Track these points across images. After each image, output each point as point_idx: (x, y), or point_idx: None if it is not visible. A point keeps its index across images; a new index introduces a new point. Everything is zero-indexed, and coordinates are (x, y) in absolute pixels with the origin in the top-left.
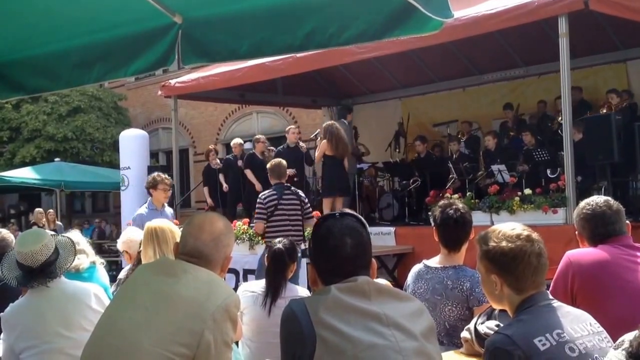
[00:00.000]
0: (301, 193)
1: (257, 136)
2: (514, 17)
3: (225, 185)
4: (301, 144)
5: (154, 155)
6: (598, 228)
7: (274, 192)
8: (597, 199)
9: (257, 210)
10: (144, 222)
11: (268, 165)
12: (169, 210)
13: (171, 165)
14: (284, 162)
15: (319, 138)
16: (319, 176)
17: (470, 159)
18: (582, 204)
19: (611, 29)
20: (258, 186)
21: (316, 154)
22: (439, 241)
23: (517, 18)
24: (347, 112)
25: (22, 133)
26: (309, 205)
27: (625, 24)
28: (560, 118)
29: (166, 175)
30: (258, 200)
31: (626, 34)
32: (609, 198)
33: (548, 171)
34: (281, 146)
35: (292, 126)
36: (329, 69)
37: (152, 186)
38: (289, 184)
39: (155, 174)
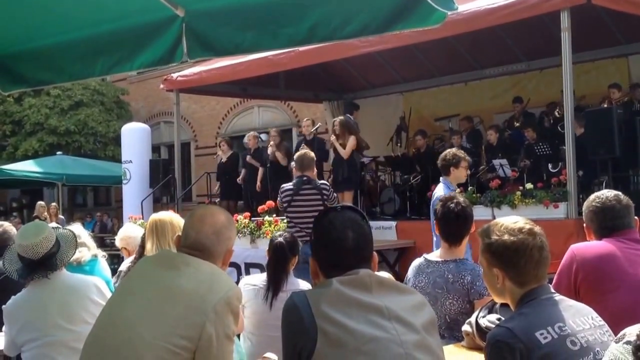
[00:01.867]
0: (325, 185)
1: (269, 130)
2: (516, 11)
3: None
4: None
5: (155, 149)
6: (606, 221)
7: (291, 187)
8: (607, 193)
9: (278, 199)
10: None
11: (295, 156)
12: None
13: (173, 159)
14: (310, 153)
15: (333, 134)
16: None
17: (471, 153)
18: (592, 196)
19: (613, 24)
20: (258, 185)
21: (346, 149)
22: (440, 235)
23: (519, 12)
24: (354, 109)
25: (24, 127)
26: (334, 196)
27: (627, 18)
28: (557, 111)
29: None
30: (280, 189)
31: (628, 28)
32: (619, 193)
33: (549, 165)
34: (300, 139)
35: (306, 118)
36: (331, 63)
37: (453, 163)
38: (308, 177)
39: (454, 149)
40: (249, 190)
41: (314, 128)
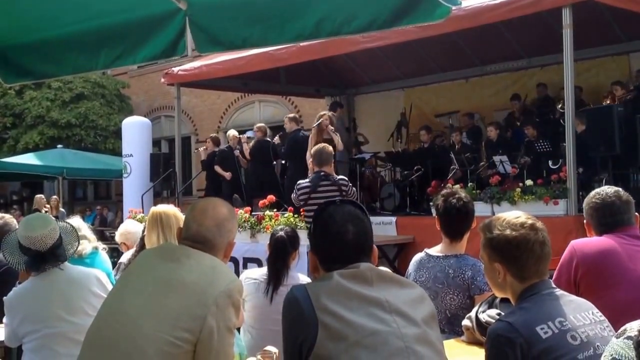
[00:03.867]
0: (343, 180)
1: (259, 125)
2: (518, 7)
3: (228, 174)
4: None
5: (156, 143)
6: (605, 218)
7: (308, 183)
8: (607, 189)
9: (292, 196)
10: None
11: (312, 151)
12: None
13: (173, 153)
14: (328, 147)
15: (331, 126)
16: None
17: (472, 149)
18: (593, 193)
19: (615, 21)
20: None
21: (338, 144)
22: (441, 230)
23: (521, 9)
24: (338, 107)
25: (25, 119)
26: (353, 191)
27: (629, 15)
28: (560, 105)
29: None
30: (295, 186)
31: (629, 25)
32: (620, 189)
33: (549, 162)
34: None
35: (286, 115)
36: (332, 58)
37: None
38: (325, 173)
39: None
40: (244, 186)
41: (316, 123)
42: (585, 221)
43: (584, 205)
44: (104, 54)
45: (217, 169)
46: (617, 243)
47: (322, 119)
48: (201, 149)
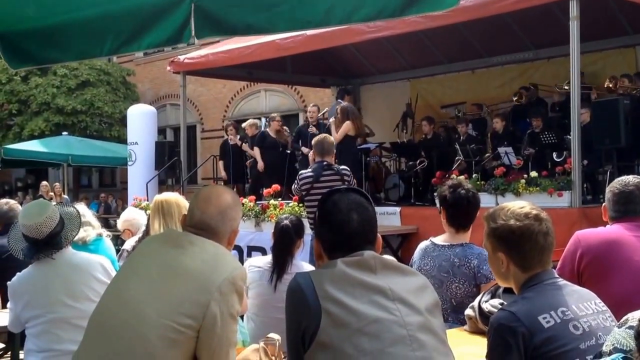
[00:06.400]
0: (346, 170)
1: (272, 115)
2: None
3: (259, 163)
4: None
5: (161, 131)
6: (618, 205)
7: (311, 173)
8: (631, 178)
9: (293, 187)
10: None
11: (313, 141)
12: None
13: (179, 141)
14: (329, 137)
15: (333, 118)
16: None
17: (477, 140)
18: (618, 179)
19: (621, 13)
20: (260, 164)
21: (337, 134)
22: (447, 221)
23: (529, 0)
24: (345, 94)
25: (30, 106)
26: (354, 182)
27: (636, 8)
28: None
29: None
30: (297, 176)
31: (636, 18)
32: None
33: (554, 154)
34: (302, 124)
35: (312, 104)
36: (338, 48)
37: None
38: (328, 162)
39: None
40: (252, 175)
41: (321, 113)
42: (603, 204)
43: (607, 188)
44: (109, 40)
45: (255, 150)
46: (624, 233)
47: (336, 113)
48: (230, 136)
